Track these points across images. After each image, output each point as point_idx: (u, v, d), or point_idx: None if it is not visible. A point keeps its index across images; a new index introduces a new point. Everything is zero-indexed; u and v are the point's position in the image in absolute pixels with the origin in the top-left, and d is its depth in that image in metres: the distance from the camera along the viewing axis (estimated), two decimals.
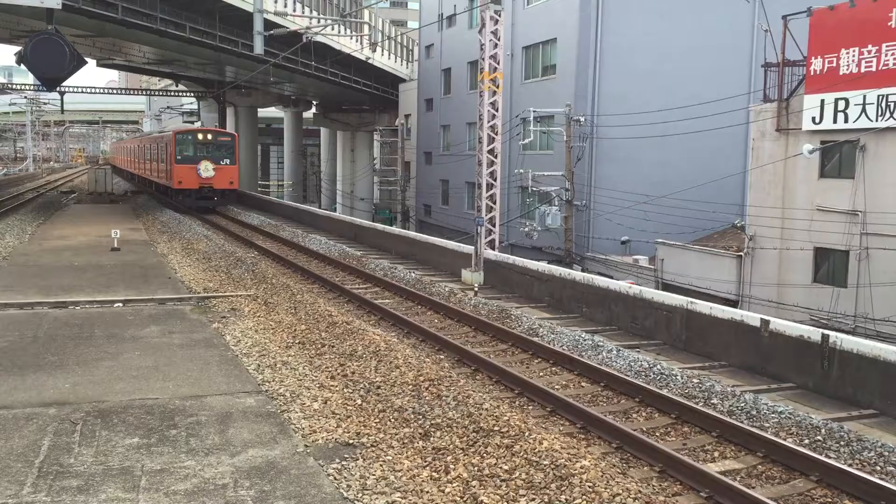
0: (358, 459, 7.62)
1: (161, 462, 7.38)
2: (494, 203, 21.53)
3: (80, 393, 9.46)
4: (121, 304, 14.98)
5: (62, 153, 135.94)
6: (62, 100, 46.86)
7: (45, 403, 9.02)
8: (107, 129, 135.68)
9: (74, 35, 33.75)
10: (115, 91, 78.78)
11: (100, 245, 23.22)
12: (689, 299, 14.64)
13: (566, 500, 6.90)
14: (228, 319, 13.88)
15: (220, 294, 16.31)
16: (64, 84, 31.91)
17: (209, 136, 39.20)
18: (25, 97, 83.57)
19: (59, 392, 9.48)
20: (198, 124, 65.73)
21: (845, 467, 8.08)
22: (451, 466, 7.52)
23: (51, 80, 10.33)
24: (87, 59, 16.42)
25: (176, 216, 34.53)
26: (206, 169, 37.60)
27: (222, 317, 14.11)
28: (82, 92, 62.13)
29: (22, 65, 9.98)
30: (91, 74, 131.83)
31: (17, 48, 10.88)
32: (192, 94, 63.23)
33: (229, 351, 11.66)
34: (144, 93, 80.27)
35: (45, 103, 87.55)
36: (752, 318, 13.13)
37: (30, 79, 78.19)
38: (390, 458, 7.70)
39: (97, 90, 65.86)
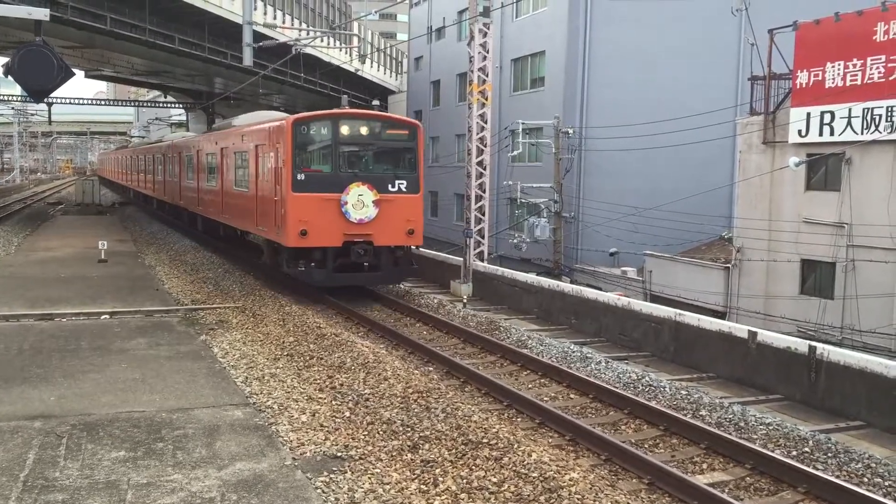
0: (346, 472, 7.58)
1: (147, 475, 7.33)
2: (483, 215, 21.56)
3: (65, 406, 9.39)
4: (108, 316, 14.90)
5: (50, 164, 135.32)
6: (50, 111, 46.67)
7: (30, 416, 8.94)
8: (94, 140, 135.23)
9: (63, 46, 33.68)
10: (103, 102, 78.54)
11: (87, 256, 23.09)
12: (678, 311, 14.69)
13: None
14: (216, 331, 13.82)
15: (208, 306, 16.24)
16: (52, 95, 31.83)
17: (363, 129, 18.04)
18: (13, 108, 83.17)
19: (44, 405, 9.40)
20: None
21: (833, 479, 8.10)
22: (440, 479, 7.50)
23: (38, 91, 10.30)
24: (75, 70, 16.39)
25: (163, 227, 34.06)
26: (361, 203, 17.41)
27: (210, 329, 14.05)
28: (70, 103, 62.01)
29: (9, 76, 9.95)
30: (79, 85, 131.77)
31: (5, 59, 10.84)
32: (181, 106, 63.16)
33: (217, 363, 11.60)
34: (133, 104, 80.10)
35: (32, 114, 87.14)
36: (739, 329, 13.18)
37: (17, 90, 77.95)
38: (379, 470, 7.67)
39: (85, 101, 65.73)
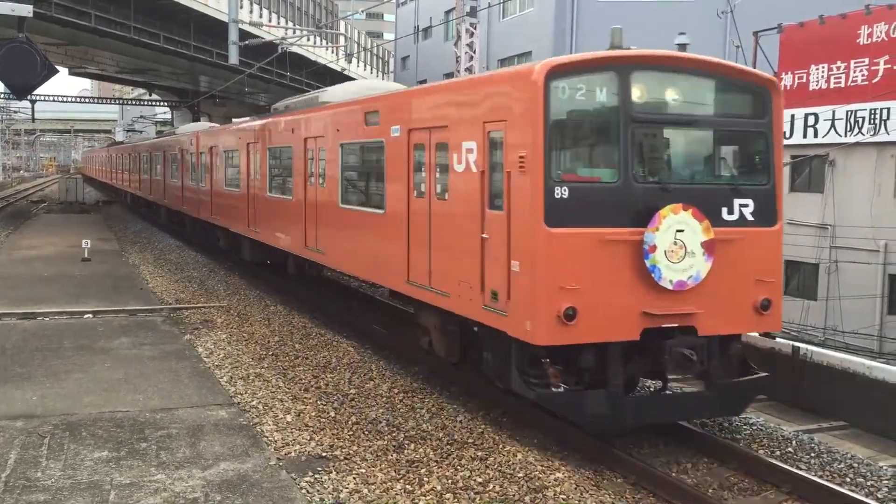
0: (331, 472, 7.56)
1: (131, 476, 7.28)
2: None
3: (48, 405, 9.32)
4: (91, 316, 14.79)
5: (33, 162, 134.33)
6: (33, 108, 46.45)
7: (12, 416, 8.86)
8: (78, 139, 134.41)
9: (46, 43, 33.46)
10: (87, 100, 77.93)
11: (70, 255, 22.91)
12: None
13: None
14: (200, 331, 13.75)
15: (193, 305, 16.15)
16: (35, 93, 31.57)
17: (673, 92, 8.84)
18: None
19: (26, 405, 9.33)
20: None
21: (816, 479, 8.15)
22: (425, 479, 7.50)
23: (21, 88, 10.24)
24: (58, 67, 16.33)
25: (147, 226, 33.79)
26: (681, 247, 8.24)
27: (194, 328, 13.97)
28: (54, 100, 61.52)
29: None
30: (63, 83, 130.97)
31: None
32: (166, 104, 62.85)
33: (201, 363, 11.54)
34: (117, 102, 79.63)
35: (15, 112, 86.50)
36: None
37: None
38: (364, 470, 7.66)
39: (69, 99, 65.25)
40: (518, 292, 8.32)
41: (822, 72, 20.30)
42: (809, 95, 20.52)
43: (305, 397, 10.05)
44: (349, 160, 13.56)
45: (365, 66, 55.02)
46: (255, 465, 7.64)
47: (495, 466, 7.80)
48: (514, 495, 7.17)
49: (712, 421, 10.21)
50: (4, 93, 59.57)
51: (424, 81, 46.30)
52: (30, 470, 7.35)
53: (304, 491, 7.10)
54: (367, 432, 8.78)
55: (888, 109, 18.75)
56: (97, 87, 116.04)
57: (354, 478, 7.45)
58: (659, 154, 8.96)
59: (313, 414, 9.34)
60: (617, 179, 8.41)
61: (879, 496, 7.99)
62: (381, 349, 13.27)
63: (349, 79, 50.23)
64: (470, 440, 8.50)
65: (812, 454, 9.11)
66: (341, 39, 46.03)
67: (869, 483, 8.35)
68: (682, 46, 16.88)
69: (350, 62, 48.93)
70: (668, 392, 9.16)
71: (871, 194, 19.24)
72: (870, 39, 19.19)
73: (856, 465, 8.78)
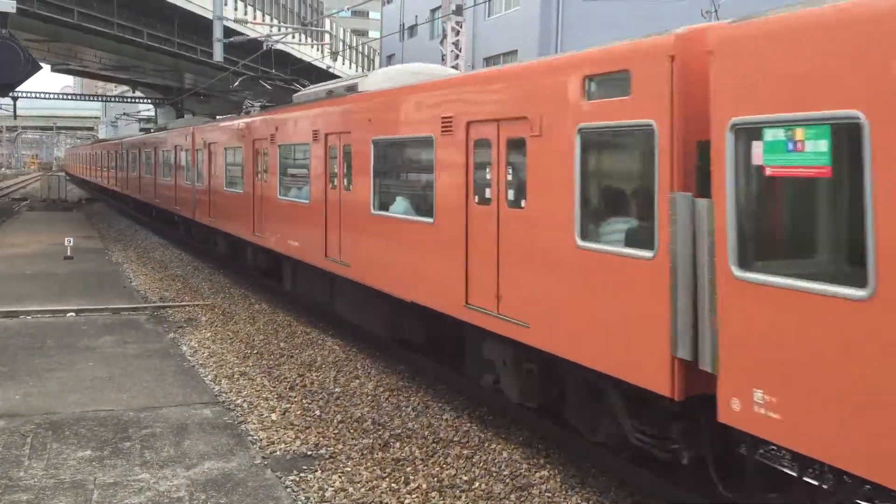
0: (316, 471, 7.55)
1: (114, 475, 7.24)
2: None
3: (31, 404, 9.25)
4: (74, 314, 14.69)
5: (15, 160, 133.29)
6: (15, 105, 46.01)
7: None
8: (61, 136, 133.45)
9: (29, 40, 33.23)
10: (70, 97, 77.35)
11: (53, 253, 22.73)
12: None
13: None
14: (185, 329, 13.70)
15: (177, 304, 16.09)
16: (17, 89, 31.31)
17: None
18: None
19: (9, 403, 9.26)
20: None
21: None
22: (411, 477, 7.50)
23: (4, 85, 10.17)
24: (41, 63, 16.18)
25: (131, 224, 33.71)
26: None
27: (179, 327, 13.92)
28: (36, 97, 60.99)
29: None
30: (45, 79, 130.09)
31: None
32: (150, 101, 62.51)
33: (186, 361, 11.50)
34: (100, 98, 79.10)
35: None
36: None
37: None
38: (349, 469, 7.66)
39: (51, 96, 64.75)
40: None
41: None
42: None
43: (290, 396, 10.04)
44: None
45: (350, 64, 54.91)
46: (240, 464, 7.61)
47: (481, 464, 7.81)
48: (499, 493, 7.19)
49: None
50: None
51: None
52: (12, 469, 7.30)
53: (289, 490, 7.08)
54: (352, 431, 8.77)
55: None
56: (80, 83, 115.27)
57: (340, 476, 7.45)
58: None
59: (298, 412, 9.33)
60: None
61: None
62: (366, 347, 13.26)
63: (334, 77, 50.18)
64: (455, 438, 8.51)
65: None
66: (327, 37, 45.92)
67: None
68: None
69: (335, 60, 48.86)
70: None
71: None
72: None
73: None
